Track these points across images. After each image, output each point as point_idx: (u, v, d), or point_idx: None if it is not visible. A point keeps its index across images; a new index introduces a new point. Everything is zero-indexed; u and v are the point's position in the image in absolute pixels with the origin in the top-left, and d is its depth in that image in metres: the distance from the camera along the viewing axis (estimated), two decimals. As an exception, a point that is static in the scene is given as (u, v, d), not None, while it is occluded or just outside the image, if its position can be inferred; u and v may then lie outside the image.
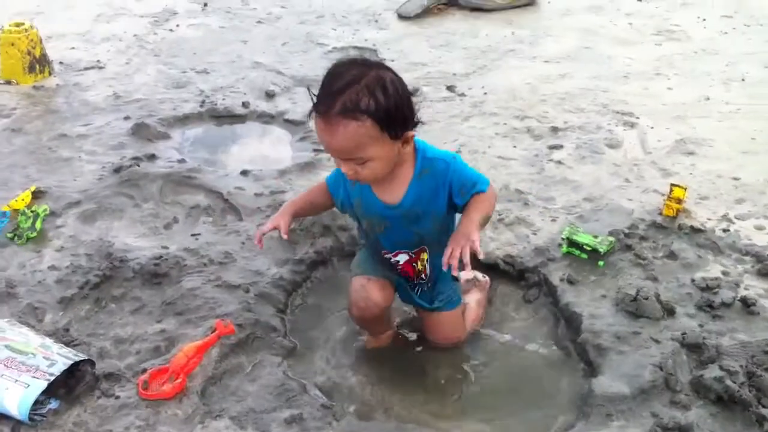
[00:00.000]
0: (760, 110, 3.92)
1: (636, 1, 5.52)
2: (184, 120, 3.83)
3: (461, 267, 2.00)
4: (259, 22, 5.06)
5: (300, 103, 3.96)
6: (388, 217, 2.23)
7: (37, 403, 2.16)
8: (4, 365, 2.22)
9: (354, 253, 2.58)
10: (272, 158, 3.55)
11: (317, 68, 4.33)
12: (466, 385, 2.41)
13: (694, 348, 2.40)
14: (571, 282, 2.72)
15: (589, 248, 2.81)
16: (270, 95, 4.06)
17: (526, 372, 2.48)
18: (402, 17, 5.14)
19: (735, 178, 3.33)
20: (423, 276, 2.39)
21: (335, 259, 2.88)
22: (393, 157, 2.07)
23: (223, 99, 3.99)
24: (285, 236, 2.26)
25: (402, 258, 2.34)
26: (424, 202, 2.18)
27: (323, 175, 3.25)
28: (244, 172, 3.34)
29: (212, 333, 2.43)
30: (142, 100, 3.97)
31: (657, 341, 2.42)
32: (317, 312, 2.68)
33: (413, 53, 4.60)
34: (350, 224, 2.90)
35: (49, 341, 2.36)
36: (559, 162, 3.47)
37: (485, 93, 4.10)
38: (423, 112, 3.36)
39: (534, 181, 3.32)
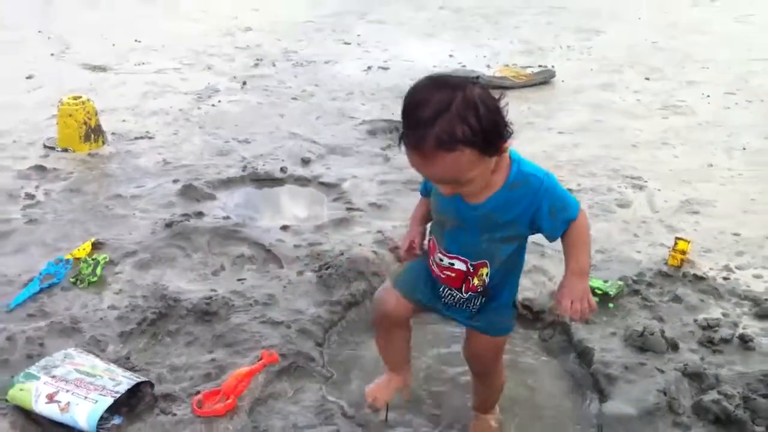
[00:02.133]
0: (759, 175, 4.17)
1: (644, 79, 5.83)
2: (228, 183, 4.11)
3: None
4: (294, 98, 5.40)
5: (333, 168, 4.25)
6: (464, 217, 2.07)
7: (103, 419, 2.39)
8: (75, 385, 2.46)
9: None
10: (309, 215, 3.81)
11: (349, 138, 4.66)
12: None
13: (695, 377, 2.61)
14: (585, 321, 2.94)
15: (600, 292, 3.03)
16: (306, 161, 4.35)
17: (547, 399, 2.68)
18: (423, 94, 5.47)
19: (736, 234, 3.56)
20: (474, 291, 2.19)
21: (368, 301, 3.11)
22: (490, 170, 1.95)
23: (263, 165, 4.28)
24: (419, 245, 2.29)
25: (459, 265, 2.15)
26: (507, 212, 2.01)
27: (357, 230, 3.55)
28: (284, 227, 3.60)
29: (259, 361, 2.66)
30: (188, 166, 4.26)
31: (661, 371, 2.63)
32: (352, 347, 2.90)
33: (437, 125, 4.91)
34: (384, 265, 3.16)
35: (113, 366, 2.61)
36: (570, 219, 3.71)
37: (504, 160, 4.38)
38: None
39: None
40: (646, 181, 4.11)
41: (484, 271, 2.13)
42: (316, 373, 2.70)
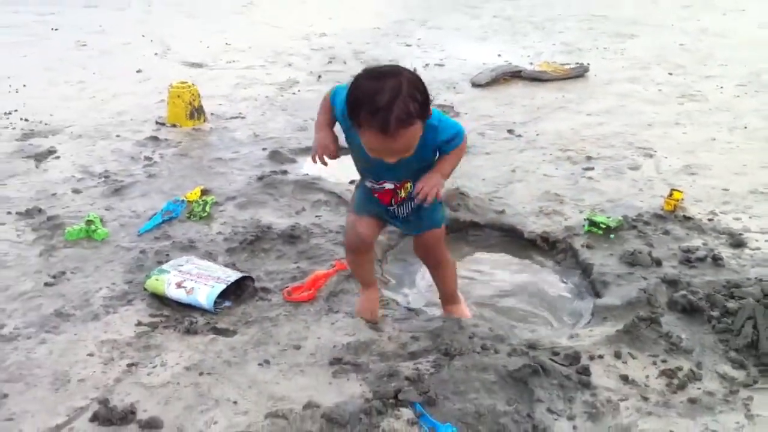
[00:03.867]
0: (754, 147, 4.70)
1: (667, 74, 6.37)
2: (306, 151, 4.79)
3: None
4: (361, 88, 6.08)
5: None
6: (389, 165, 2.39)
7: (217, 303, 3.08)
8: (197, 276, 3.16)
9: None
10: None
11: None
12: (505, 300, 3.25)
13: (671, 283, 3.17)
14: (588, 247, 3.54)
15: (604, 226, 3.63)
16: (370, 135, 5.02)
17: (555, 300, 3.29)
18: (475, 85, 6.10)
19: (725, 189, 4.11)
20: (403, 200, 2.65)
21: (418, 232, 3.76)
22: None
23: (336, 137, 4.96)
24: (333, 151, 2.55)
25: (388, 185, 2.60)
26: (419, 152, 2.39)
27: (410, 183, 4.19)
28: (352, 182, 4.27)
29: (332, 268, 3.34)
30: (274, 138, 4.97)
31: (645, 278, 3.22)
32: (403, 264, 3.55)
33: (482, 108, 5.54)
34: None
35: (223, 267, 3.32)
36: (590, 178, 4.31)
37: (537, 134, 5.00)
38: (488, 147, 4.30)
39: (569, 189, 4.16)
40: (655, 151, 4.67)
41: (408, 185, 2.59)
42: (377, 278, 3.35)
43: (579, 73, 6.33)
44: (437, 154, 2.54)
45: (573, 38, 7.61)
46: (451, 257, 3.01)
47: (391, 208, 2.71)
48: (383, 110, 2.15)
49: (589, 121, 5.24)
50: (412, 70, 2.29)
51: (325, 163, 2.59)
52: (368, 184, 2.67)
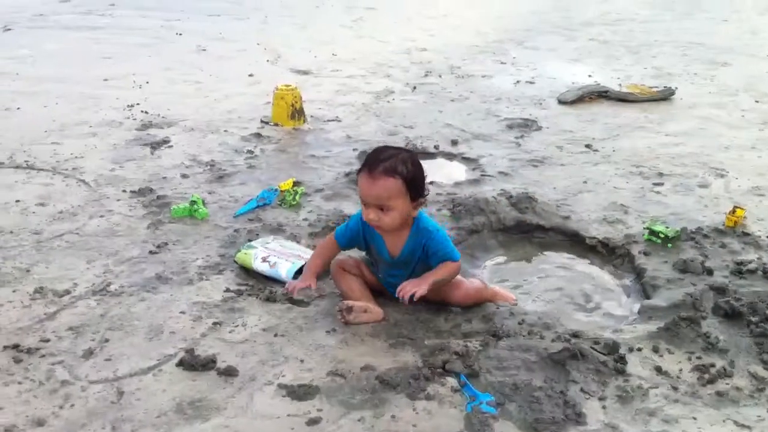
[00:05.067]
0: (828, 175, 4.71)
1: (754, 102, 6.36)
2: (394, 153, 5.07)
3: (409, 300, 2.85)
4: (452, 100, 6.31)
5: (475, 149, 5.12)
6: (391, 263, 3.02)
7: (296, 278, 3.36)
8: (280, 252, 3.45)
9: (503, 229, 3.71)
10: (451, 176, 4.71)
11: (491, 129, 5.51)
12: (560, 295, 3.43)
13: (719, 290, 3.27)
14: (645, 254, 3.66)
15: (662, 235, 3.75)
16: (454, 142, 5.24)
17: (607, 298, 3.45)
18: (561, 102, 6.24)
19: (790, 213, 4.16)
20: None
21: (485, 230, 3.96)
22: (406, 214, 2.84)
23: (422, 143, 5.21)
24: (314, 287, 3.03)
25: (393, 279, 3.07)
26: (412, 255, 2.96)
27: (485, 188, 4.39)
28: (431, 182, 4.50)
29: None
30: (365, 140, 5.25)
31: (694, 284, 3.33)
32: (470, 259, 3.74)
33: (564, 124, 5.68)
34: (500, 208, 4.01)
35: (304, 247, 3.61)
36: (658, 192, 4.41)
37: (614, 150, 5.12)
38: (564, 159, 4.46)
39: (636, 201, 4.28)
40: (727, 172, 4.72)
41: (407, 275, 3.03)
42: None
43: (665, 95, 6.38)
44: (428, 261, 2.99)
45: (665, 63, 7.64)
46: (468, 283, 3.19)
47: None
48: (378, 159, 2.77)
49: (666, 141, 5.32)
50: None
51: (293, 296, 3.09)
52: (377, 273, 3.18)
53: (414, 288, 2.86)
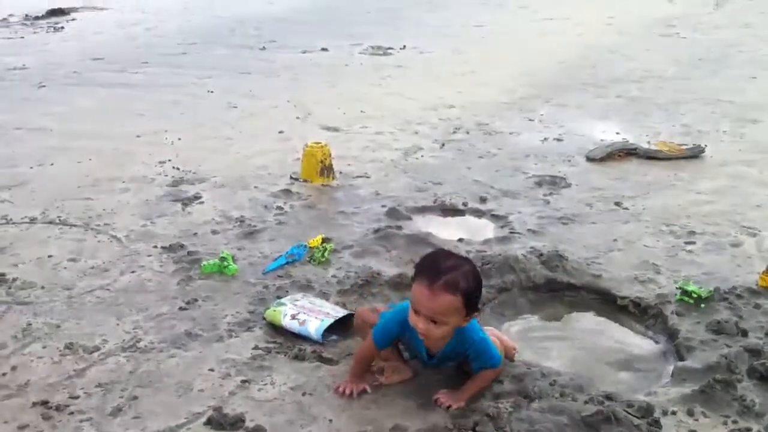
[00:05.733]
0: None
1: (787, 158, 6.33)
2: (422, 210, 5.06)
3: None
4: (480, 157, 6.33)
5: (504, 206, 5.11)
6: (427, 360, 2.96)
7: (325, 335, 3.36)
8: (309, 310, 3.46)
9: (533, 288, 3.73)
10: (480, 233, 4.71)
11: (519, 186, 5.52)
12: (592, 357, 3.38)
13: (755, 352, 3.22)
14: (678, 314, 3.62)
15: (695, 295, 3.71)
16: (483, 199, 5.25)
17: (639, 360, 3.41)
18: (589, 159, 6.24)
19: (825, 272, 4.10)
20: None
21: (515, 288, 3.94)
22: (455, 326, 2.73)
23: (450, 199, 5.22)
24: (369, 390, 2.93)
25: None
26: (451, 356, 2.90)
27: (514, 245, 4.38)
28: (460, 239, 4.50)
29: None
30: (394, 197, 5.27)
31: (729, 346, 3.28)
32: (500, 317, 3.73)
33: (593, 181, 5.68)
34: (530, 267, 4.00)
35: (334, 305, 3.61)
36: (690, 251, 4.37)
37: (644, 208, 5.09)
38: (593, 217, 4.46)
39: (667, 260, 4.24)
40: (759, 231, 4.67)
41: None
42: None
43: (695, 153, 6.36)
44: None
45: (694, 120, 7.62)
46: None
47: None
48: (440, 270, 2.60)
49: (697, 199, 5.29)
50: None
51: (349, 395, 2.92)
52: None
53: (450, 402, 2.82)
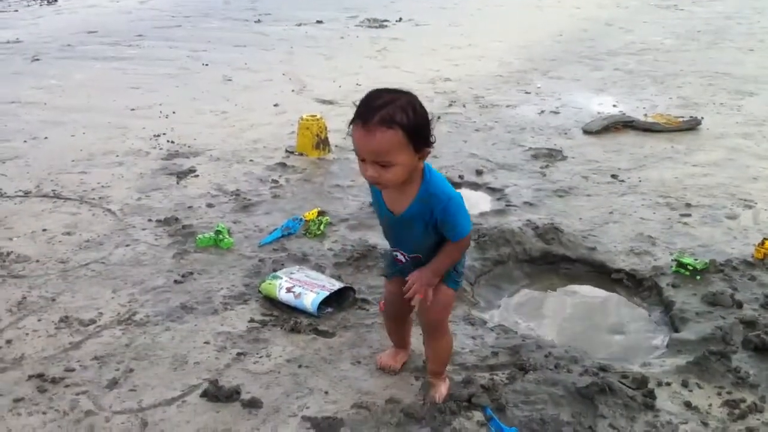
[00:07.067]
0: None
1: (783, 131, 6.32)
2: (418, 183, 5.07)
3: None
4: (476, 130, 6.31)
5: (500, 179, 5.11)
6: (392, 223, 2.54)
7: (320, 308, 3.36)
8: (305, 283, 3.45)
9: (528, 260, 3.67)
10: (476, 206, 4.68)
11: (516, 159, 5.50)
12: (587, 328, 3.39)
13: (749, 324, 3.22)
14: (673, 286, 3.62)
15: (691, 267, 3.71)
16: (479, 172, 5.24)
17: (635, 331, 3.41)
18: (586, 132, 6.22)
19: (820, 242, 4.10)
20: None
21: (511, 261, 3.94)
22: (411, 168, 2.33)
23: (446, 172, 5.19)
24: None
25: (400, 257, 2.65)
26: (418, 219, 2.44)
27: (510, 218, 4.38)
28: (456, 212, 4.50)
29: (427, 286, 3.56)
30: (390, 170, 5.26)
31: (723, 318, 3.28)
32: (494, 289, 3.74)
33: (589, 154, 5.66)
34: (525, 239, 3.99)
35: (329, 278, 3.61)
36: (685, 224, 4.37)
37: (640, 181, 5.08)
38: (590, 190, 4.45)
39: (663, 232, 4.24)
40: (756, 203, 4.67)
41: (419, 259, 2.58)
42: (466, 299, 3.56)
43: (691, 125, 6.34)
44: (436, 232, 2.49)
45: (691, 93, 7.60)
46: (450, 334, 2.85)
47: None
48: (373, 107, 2.24)
49: (694, 172, 5.28)
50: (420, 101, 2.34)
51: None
52: (392, 252, 2.72)
53: (424, 286, 2.51)
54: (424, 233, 2.49)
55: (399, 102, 2.26)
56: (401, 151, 2.26)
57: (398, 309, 2.81)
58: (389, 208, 2.51)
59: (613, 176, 5.16)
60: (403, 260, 2.64)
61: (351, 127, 2.30)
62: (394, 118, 2.22)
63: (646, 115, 6.70)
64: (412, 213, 2.45)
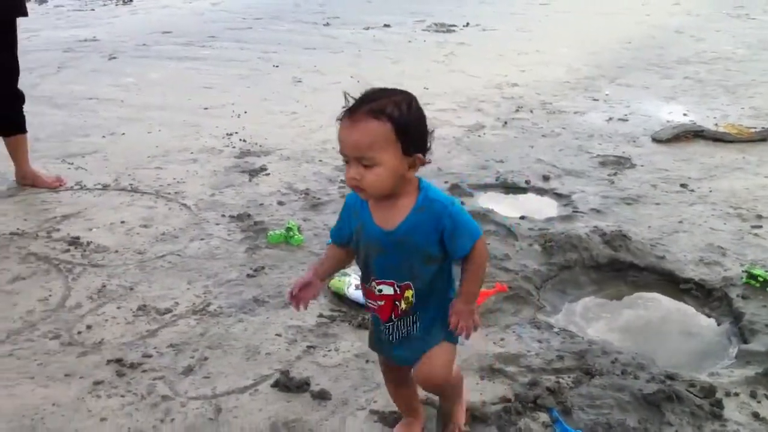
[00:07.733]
0: None
1: None
2: (484, 187, 5.08)
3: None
4: (543, 136, 6.30)
5: (567, 185, 5.10)
6: (383, 243, 2.12)
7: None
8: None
9: (595, 266, 3.68)
10: (542, 211, 4.70)
11: (583, 166, 5.48)
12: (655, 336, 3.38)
13: (821, 337, 3.20)
14: (743, 297, 3.59)
15: (762, 279, 3.67)
16: (546, 178, 5.23)
17: (703, 342, 3.39)
18: (655, 140, 6.16)
19: None
20: (404, 314, 2.21)
21: (577, 267, 3.94)
22: (398, 173, 2.02)
23: (512, 177, 5.22)
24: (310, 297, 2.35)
25: (387, 290, 2.18)
26: (417, 234, 2.09)
27: (577, 224, 4.37)
28: (522, 217, 4.50)
29: (493, 288, 3.59)
30: (456, 173, 5.29)
31: (795, 330, 3.26)
32: (561, 293, 3.75)
33: (658, 162, 5.61)
34: (592, 245, 3.98)
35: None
36: (756, 235, 4.30)
37: (710, 191, 5.02)
38: (659, 198, 4.42)
39: (733, 243, 4.18)
40: (829, 217, 4.59)
41: (410, 293, 2.16)
42: (532, 302, 3.57)
43: (763, 136, 6.23)
44: (442, 253, 2.14)
45: (763, 103, 7.46)
46: (461, 378, 2.59)
47: (389, 324, 2.26)
48: (365, 102, 2.02)
49: (765, 183, 5.19)
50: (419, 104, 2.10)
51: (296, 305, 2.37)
52: (367, 299, 2.31)
53: (471, 319, 2.16)
54: (423, 253, 2.12)
55: (394, 97, 2.03)
56: (386, 147, 1.98)
57: (396, 375, 2.50)
58: (378, 224, 2.13)
59: (683, 185, 5.11)
60: (389, 302, 2.21)
61: (338, 122, 2.04)
62: (384, 110, 1.98)
63: (717, 124, 6.60)
64: (409, 226, 2.09)
